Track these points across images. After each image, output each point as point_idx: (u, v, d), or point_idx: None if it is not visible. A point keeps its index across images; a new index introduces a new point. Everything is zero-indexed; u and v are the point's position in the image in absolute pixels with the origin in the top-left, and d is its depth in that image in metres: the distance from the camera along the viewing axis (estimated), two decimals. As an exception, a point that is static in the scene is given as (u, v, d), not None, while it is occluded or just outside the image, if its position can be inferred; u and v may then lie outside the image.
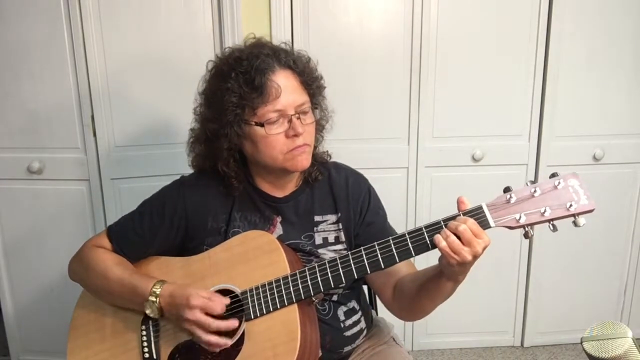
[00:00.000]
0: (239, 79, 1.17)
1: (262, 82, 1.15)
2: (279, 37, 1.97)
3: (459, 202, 1.05)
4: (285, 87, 1.17)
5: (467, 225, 1.00)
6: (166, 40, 2.04)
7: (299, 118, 1.18)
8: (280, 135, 1.18)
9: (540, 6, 2.11)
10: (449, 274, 1.07)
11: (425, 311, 1.21)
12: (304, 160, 1.21)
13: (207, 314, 1.12)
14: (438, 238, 1.02)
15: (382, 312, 1.40)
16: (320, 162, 1.33)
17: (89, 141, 2.09)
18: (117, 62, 2.04)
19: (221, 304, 1.13)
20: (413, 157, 2.23)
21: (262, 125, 1.17)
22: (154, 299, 1.17)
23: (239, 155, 1.26)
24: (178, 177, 1.34)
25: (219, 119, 1.20)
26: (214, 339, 1.12)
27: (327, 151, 1.36)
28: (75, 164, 2.12)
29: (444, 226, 1.04)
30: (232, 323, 1.13)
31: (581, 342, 0.95)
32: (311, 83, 1.24)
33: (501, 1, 2.11)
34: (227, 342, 1.14)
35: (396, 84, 2.16)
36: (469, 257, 1.00)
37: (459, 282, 1.11)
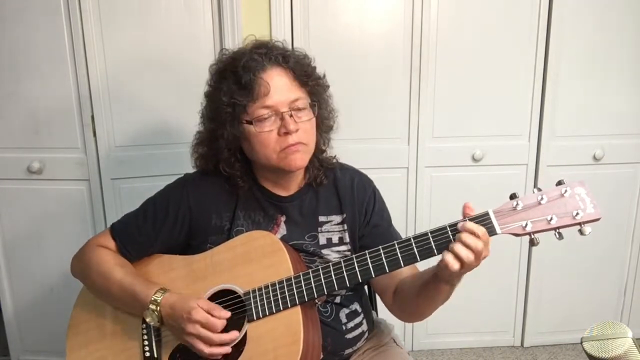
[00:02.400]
0: (229, 78, 1.18)
1: (249, 80, 1.15)
2: (279, 37, 1.96)
3: (465, 208, 1.04)
4: (277, 85, 1.17)
5: (483, 241, 1.00)
6: (166, 40, 2.04)
7: (291, 115, 1.17)
8: (272, 133, 1.17)
9: (540, 6, 2.11)
10: (445, 277, 1.06)
11: (424, 313, 1.21)
12: (298, 160, 1.19)
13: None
14: (450, 260, 1.01)
15: (383, 313, 1.40)
16: (327, 167, 1.31)
17: (89, 141, 2.09)
18: (117, 62, 2.04)
19: (222, 321, 1.12)
20: (413, 157, 2.23)
21: (252, 123, 1.17)
22: (154, 308, 1.16)
23: (241, 156, 1.26)
24: (178, 177, 1.34)
25: (215, 118, 1.21)
26: (216, 350, 1.12)
27: (335, 156, 1.35)
28: (75, 164, 2.11)
29: (449, 231, 1.03)
30: (234, 335, 1.12)
31: (581, 342, 0.95)
32: (307, 79, 1.22)
33: (501, 1, 2.11)
34: (228, 350, 1.13)
35: (396, 84, 2.16)
36: (468, 269, 1.02)
37: (455, 286, 1.11)
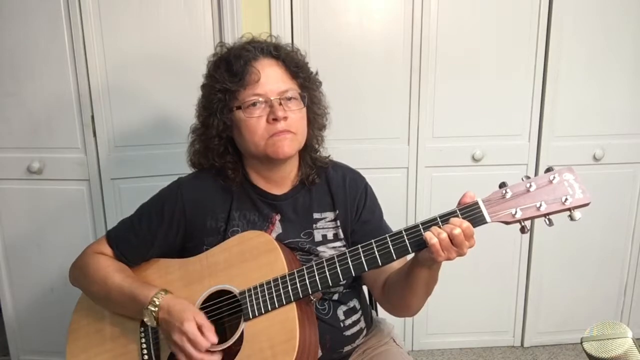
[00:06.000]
0: (222, 67, 1.21)
1: (241, 68, 1.19)
2: (279, 37, 1.97)
3: (465, 197, 1.06)
4: (267, 74, 1.19)
5: (462, 229, 1.01)
6: (166, 41, 2.04)
7: (280, 104, 1.19)
8: (261, 120, 1.19)
9: (540, 6, 2.11)
10: (425, 261, 1.08)
11: (410, 305, 1.21)
12: (286, 147, 1.20)
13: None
14: (430, 235, 1.02)
15: (383, 312, 1.40)
16: (319, 166, 1.32)
17: (89, 141, 2.09)
18: (117, 62, 2.04)
19: (209, 341, 1.11)
20: (413, 157, 2.23)
21: (242, 108, 1.19)
22: (153, 308, 1.17)
23: (232, 149, 1.27)
24: (178, 176, 1.34)
25: (207, 107, 1.24)
26: None
27: (329, 155, 1.36)
28: (75, 164, 2.12)
29: (440, 222, 1.04)
30: (215, 357, 1.12)
31: (581, 342, 0.95)
32: (298, 71, 1.24)
33: (501, 1, 2.11)
34: None
35: (396, 84, 2.16)
36: (454, 256, 1.03)
37: (433, 271, 1.13)
